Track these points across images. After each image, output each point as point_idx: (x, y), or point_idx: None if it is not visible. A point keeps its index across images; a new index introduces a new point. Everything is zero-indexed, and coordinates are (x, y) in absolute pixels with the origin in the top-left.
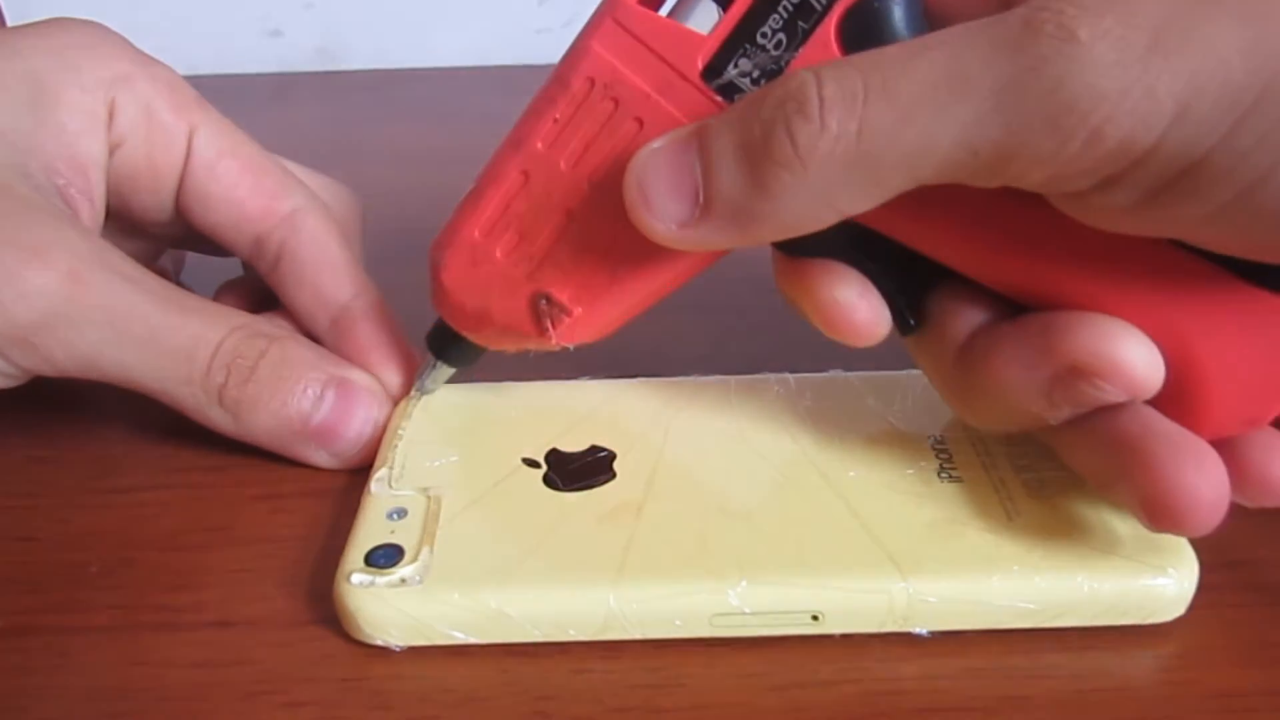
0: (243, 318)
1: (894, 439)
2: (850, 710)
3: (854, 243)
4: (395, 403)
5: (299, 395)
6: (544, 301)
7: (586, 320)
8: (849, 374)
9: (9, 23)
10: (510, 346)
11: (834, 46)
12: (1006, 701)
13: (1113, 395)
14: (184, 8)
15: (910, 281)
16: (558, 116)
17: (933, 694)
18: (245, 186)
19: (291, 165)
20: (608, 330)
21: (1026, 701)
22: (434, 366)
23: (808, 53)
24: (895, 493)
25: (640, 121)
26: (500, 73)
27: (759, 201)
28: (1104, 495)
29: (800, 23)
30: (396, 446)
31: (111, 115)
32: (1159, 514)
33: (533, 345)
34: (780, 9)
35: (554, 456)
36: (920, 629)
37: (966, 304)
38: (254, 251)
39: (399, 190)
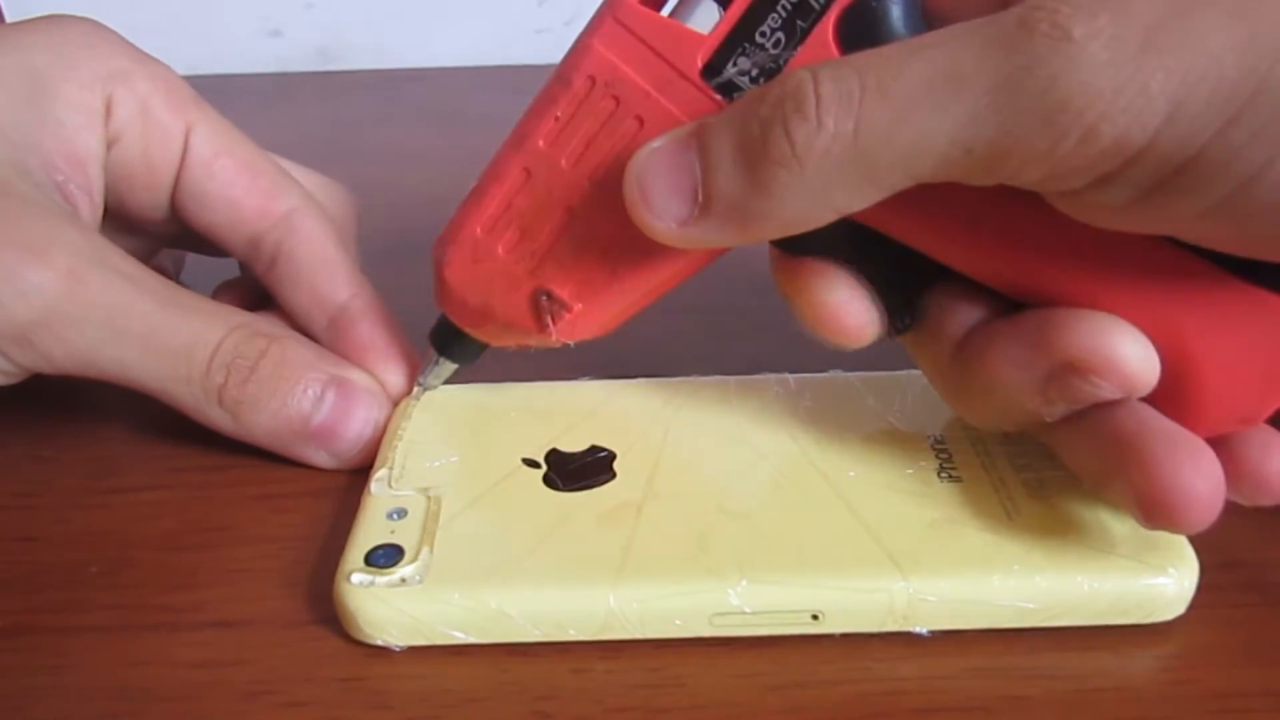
0: (243, 317)
1: (894, 439)
2: (850, 710)
3: (851, 240)
4: (395, 403)
5: (299, 395)
6: (545, 298)
7: (587, 316)
8: (849, 374)
9: (8, 20)
10: (512, 343)
11: (832, 46)
12: (1006, 701)
13: (1108, 392)
14: (184, 8)
15: (905, 281)
16: (559, 114)
17: (933, 694)
18: (241, 186)
19: (287, 165)
20: (608, 327)
21: (1026, 701)
22: (436, 363)
23: (806, 52)
24: (895, 493)
25: (641, 120)
26: (500, 73)
27: (757, 200)
28: (1100, 493)
29: (799, 22)
30: (396, 446)
31: (108, 111)
32: (1154, 511)
33: (534, 341)
34: (779, 8)
35: (554, 456)
36: (920, 629)
37: (963, 301)
38: (250, 251)
39: (399, 190)
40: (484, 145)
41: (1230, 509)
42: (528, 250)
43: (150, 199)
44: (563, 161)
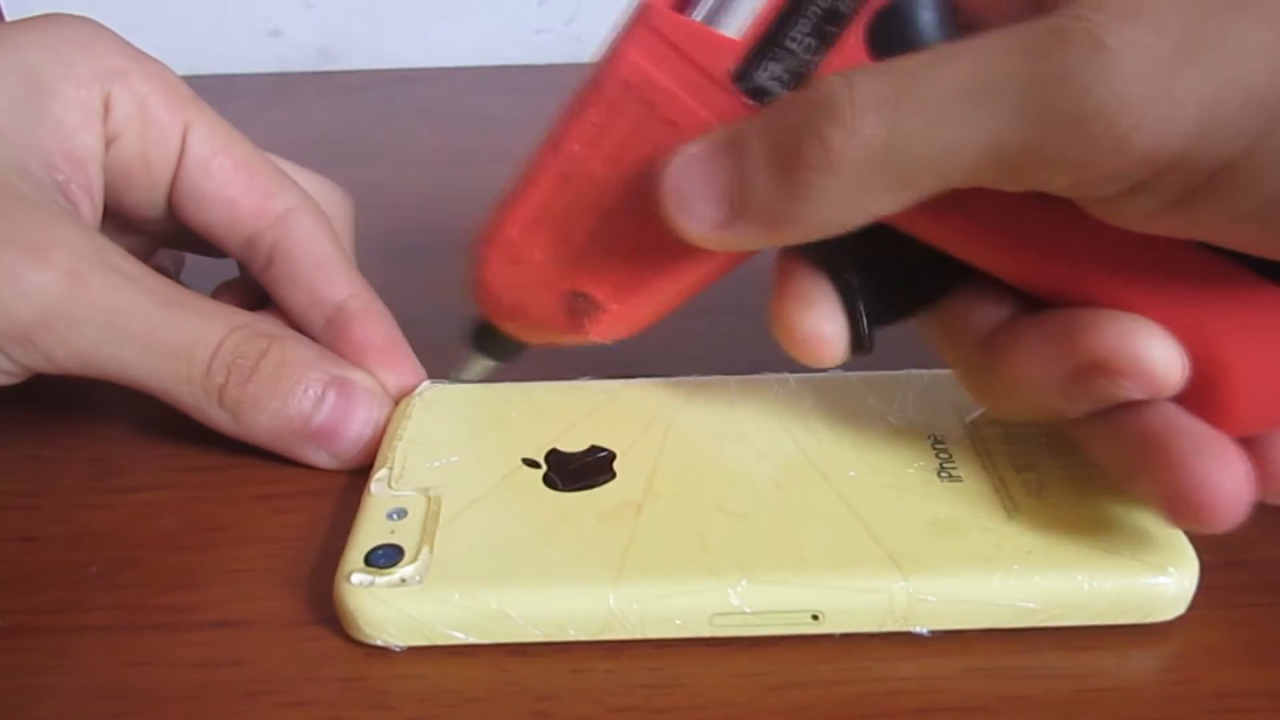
0: (243, 317)
1: (894, 439)
2: (850, 710)
3: (853, 252)
4: (395, 403)
5: (299, 396)
6: (580, 299)
7: (621, 316)
8: (849, 374)
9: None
10: (547, 340)
11: (862, 50)
12: (1006, 701)
13: (1133, 393)
14: (184, 7)
15: (886, 308)
16: (594, 119)
17: (933, 694)
18: (239, 185)
19: (284, 165)
20: (642, 326)
21: (1026, 701)
22: (474, 361)
23: (836, 57)
24: (895, 492)
25: (674, 124)
26: (500, 73)
27: (791, 204)
28: (1125, 490)
29: (828, 27)
30: (396, 446)
31: (106, 110)
32: (1181, 510)
33: (569, 340)
34: (809, 13)
35: (554, 456)
36: (920, 628)
37: (991, 297)
38: (246, 251)
39: (399, 190)
40: (484, 145)
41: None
42: (564, 253)
43: (147, 198)
44: (598, 165)
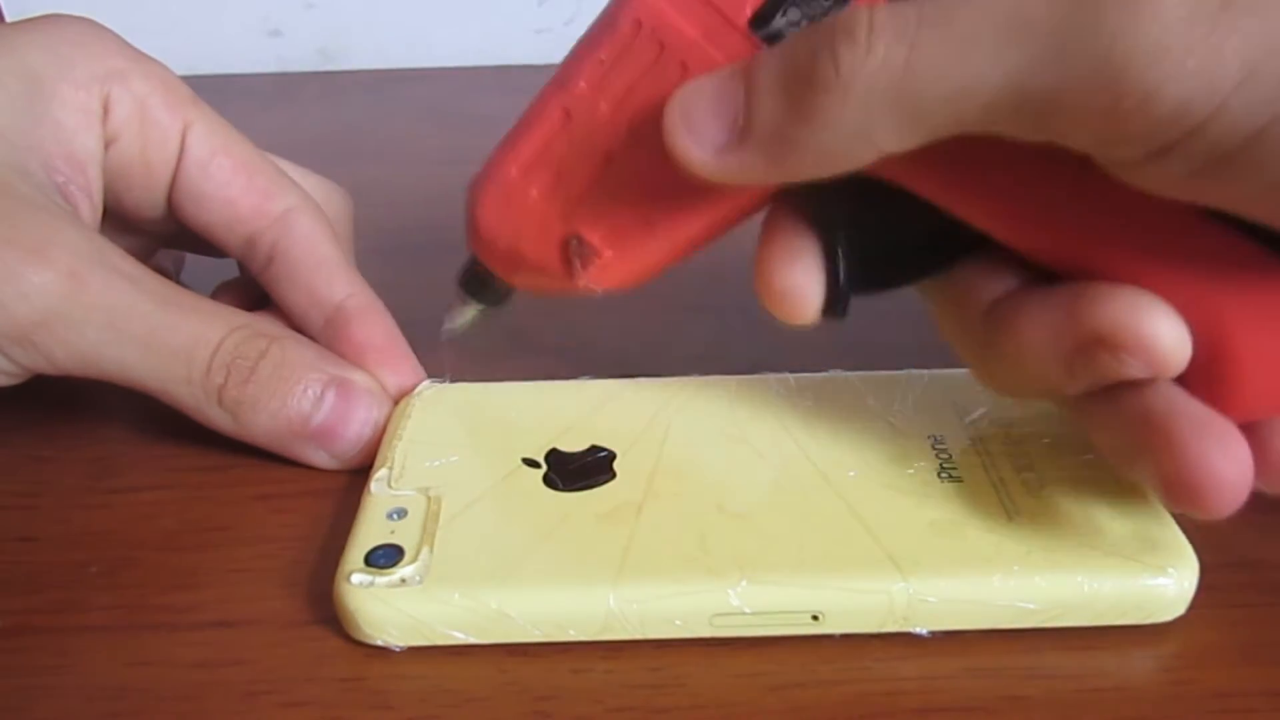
0: (243, 317)
1: (894, 439)
2: (850, 710)
3: (850, 215)
4: (395, 403)
5: (299, 396)
6: (576, 242)
7: (617, 264)
8: (849, 374)
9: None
10: (540, 287)
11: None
12: (1006, 701)
13: (1135, 370)
14: (184, 8)
15: (867, 276)
16: (603, 57)
17: (933, 694)
18: (238, 185)
19: (284, 165)
20: (637, 278)
21: (1026, 701)
22: (464, 304)
23: (858, 4)
24: (895, 493)
25: (685, 66)
26: (500, 73)
27: (797, 127)
28: (1124, 472)
29: None
30: (396, 446)
31: (106, 111)
32: (1179, 493)
33: (562, 287)
34: None
35: (554, 456)
36: (920, 629)
37: (998, 267)
38: (246, 251)
39: (398, 190)
40: (484, 145)
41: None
42: (562, 194)
43: (147, 198)
44: (603, 105)
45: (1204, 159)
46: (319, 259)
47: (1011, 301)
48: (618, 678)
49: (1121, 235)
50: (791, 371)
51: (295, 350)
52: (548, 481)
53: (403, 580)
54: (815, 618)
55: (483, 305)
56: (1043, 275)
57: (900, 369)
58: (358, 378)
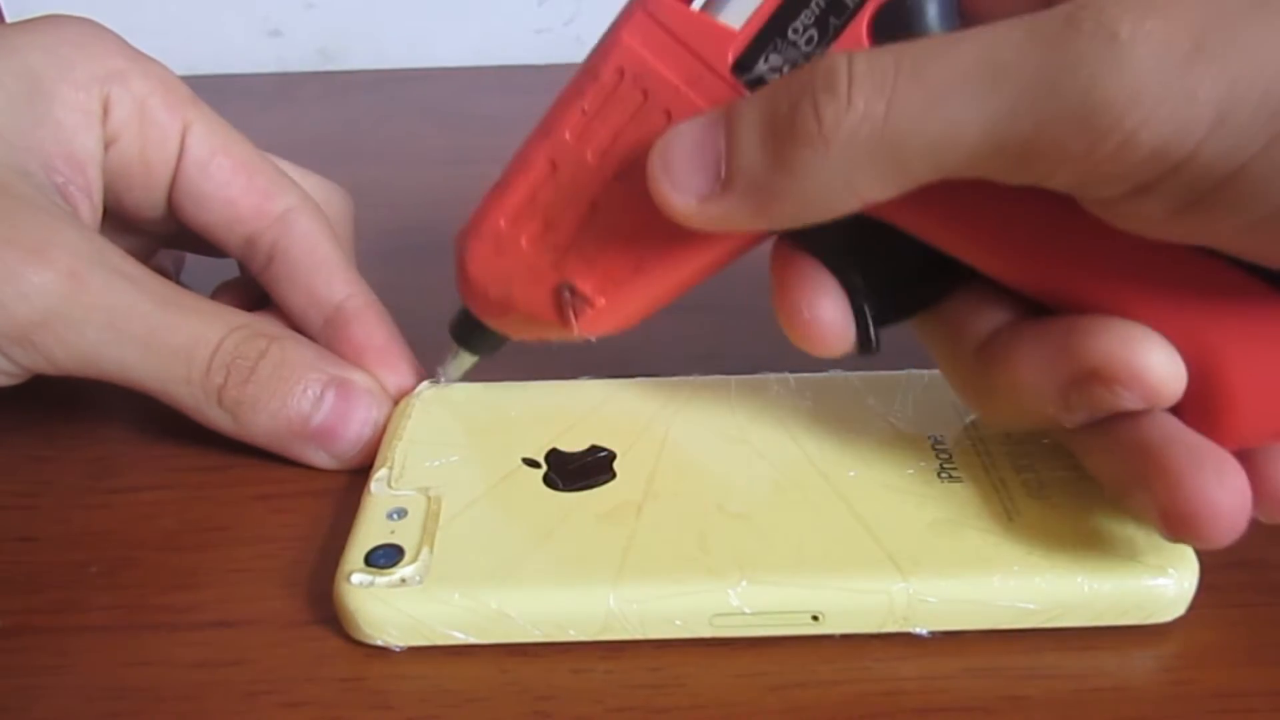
0: (243, 317)
1: (894, 439)
2: (850, 710)
3: (851, 251)
4: (395, 403)
5: (298, 396)
6: (567, 292)
7: (609, 311)
8: (849, 374)
9: (7, 21)
10: (533, 336)
11: (865, 43)
12: (1006, 701)
13: (1130, 402)
14: (184, 8)
15: (888, 308)
16: (586, 107)
17: (933, 694)
18: (238, 185)
19: (284, 165)
20: (629, 322)
21: (1026, 701)
22: (456, 355)
23: (839, 49)
24: (895, 493)
25: (669, 114)
26: (500, 73)
27: (780, 178)
28: (1120, 503)
29: (832, 19)
30: (396, 446)
31: (106, 111)
32: (1177, 524)
33: (555, 335)
34: (813, 5)
35: (554, 456)
36: (920, 629)
37: (990, 301)
38: (246, 251)
39: (398, 190)
40: (484, 145)
41: None
42: (551, 243)
43: (147, 198)
44: (589, 154)
45: (1183, 198)
46: (319, 259)
47: (1004, 336)
48: (618, 678)
49: (1112, 267)
50: (791, 371)
51: (295, 350)
52: (548, 481)
53: (403, 580)
54: (815, 618)
55: (476, 356)
56: (1035, 308)
57: (900, 369)
58: (357, 378)
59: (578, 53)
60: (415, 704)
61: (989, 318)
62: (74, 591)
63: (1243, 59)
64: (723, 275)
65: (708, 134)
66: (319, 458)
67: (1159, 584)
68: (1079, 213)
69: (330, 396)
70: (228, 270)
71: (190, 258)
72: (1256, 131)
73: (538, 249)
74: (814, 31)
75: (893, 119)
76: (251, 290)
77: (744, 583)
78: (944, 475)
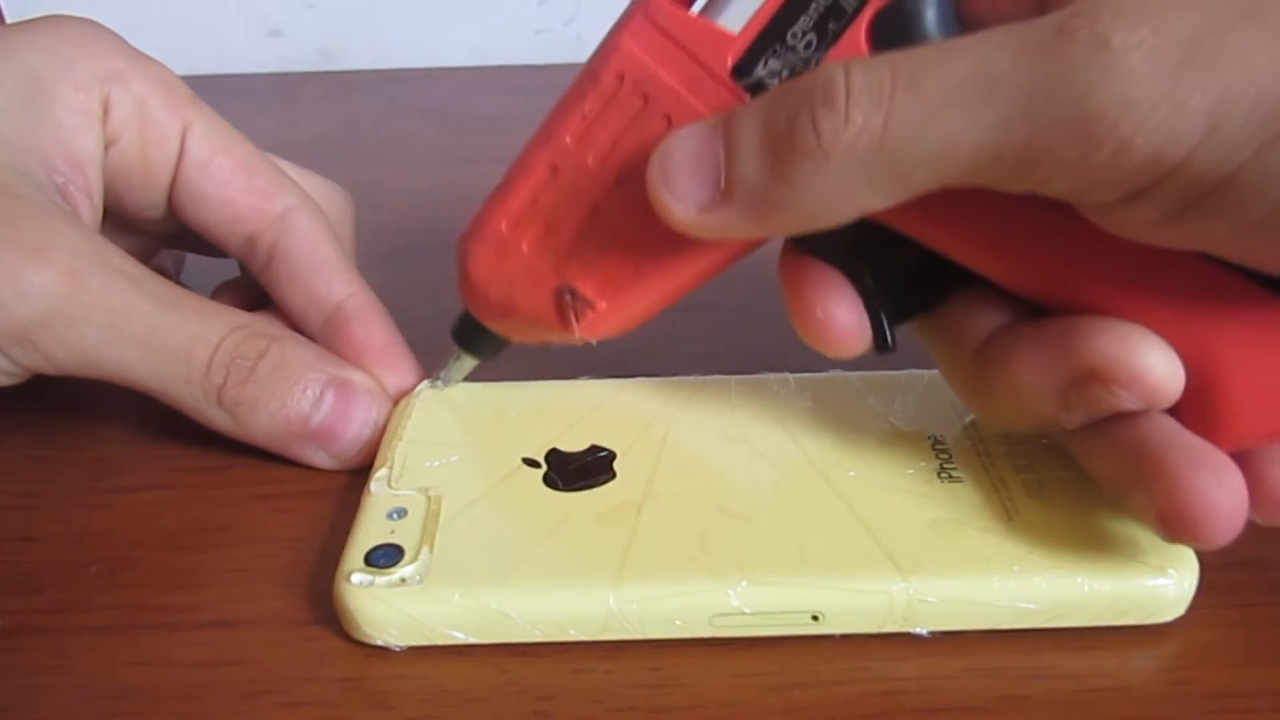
0: (243, 317)
1: (894, 439)
2: (850, 710)
3: (860, 252)
4: (395, 403)
5: (298, 396)
6: (568, 295)
7: (610, 315)
8: (849, 374)
9: (7, 21)
10: (534, 339)
11: (864, 48)
12: (1006, 701)
13: (1129, 403)
14: (184, 8)
15: (899, 307)
16: (586, 112)
17: (933, 694)
18: (238, 185)
19: (284, 165)
20: (630, 325)
21: (1026, 701)
22: (457, 358)
23: (837, 54)
24: (895, 493)
25: (669, 118)
26: (500, 73)
27: (779, 190)
28: (1118, 504)
29: (830, 23)
30: (396, 446)
31: (106, 112)
32: (1174, 525)
33: (556, 338)
34: (811, 9)
35: (554, 456)
36: (920, 629)
37: (988, 303)
38: (246, 251)
39: (398, 190)
40: (484, 145)
41: None
42: (552, 247)
43: (147, 198)
44: (589, 158)
45: (1176, 203)
46: (318, 259)
47: (1003, 338)
48: (618, 678)
49: (1109, 271)
50: (791, 371)
51: (295, 350)
52: (548, 481)
53: (403, 580)
54: (815, 618)
55: (477, 359)
56: (1034, 309)
57: (900, 369)
58: (357, 378)
59: (578, 53)
60: (415, 704)
61: (988, 319)
62: (74, 591)
63: (1233, 68)
64: (723, 276)
65: (707, 143)
66: (319, 458)
67: (1159, 584)
68: (1077, 218)
69: (330, 396)
70: (228, 270)
71: (190, 258)
72: (1248, 138)
73: (539, 252)
74: (813, 36)
75: (890, 132)
76: (251, 290)
77: (744, 583)
78: (944, 475)
